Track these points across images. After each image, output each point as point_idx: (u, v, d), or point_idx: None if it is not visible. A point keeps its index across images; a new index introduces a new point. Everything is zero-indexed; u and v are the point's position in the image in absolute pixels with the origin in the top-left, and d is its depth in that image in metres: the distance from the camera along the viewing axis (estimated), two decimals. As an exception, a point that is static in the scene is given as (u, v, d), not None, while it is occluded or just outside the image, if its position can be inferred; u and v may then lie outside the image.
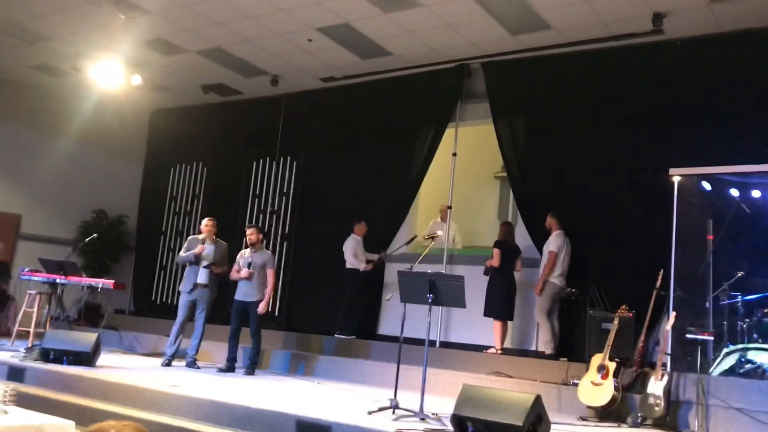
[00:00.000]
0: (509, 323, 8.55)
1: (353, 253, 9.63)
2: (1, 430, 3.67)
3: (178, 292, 8.61)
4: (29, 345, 8.03)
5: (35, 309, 8.98)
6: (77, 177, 12.61)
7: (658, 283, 6.61)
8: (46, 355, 7.13)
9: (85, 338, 7.38)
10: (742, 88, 7.58)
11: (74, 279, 8.54)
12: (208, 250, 8.29)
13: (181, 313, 8.29)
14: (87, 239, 10.21)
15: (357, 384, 7.60)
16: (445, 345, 9.02)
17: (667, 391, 5.96)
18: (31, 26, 9.76)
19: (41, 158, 12.34)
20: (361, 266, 9.61)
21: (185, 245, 8.54)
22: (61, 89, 12.18)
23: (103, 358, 7.53)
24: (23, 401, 4.49)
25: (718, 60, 7.89)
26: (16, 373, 6.72)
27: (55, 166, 12.37)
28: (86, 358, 7.13)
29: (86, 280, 8.95)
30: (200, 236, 8.44)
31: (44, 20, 9.52)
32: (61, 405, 5.76)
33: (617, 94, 8.54)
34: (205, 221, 8.58)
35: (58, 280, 8.37)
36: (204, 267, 8.24)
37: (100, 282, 8.89)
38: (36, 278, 8.68)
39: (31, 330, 8.57)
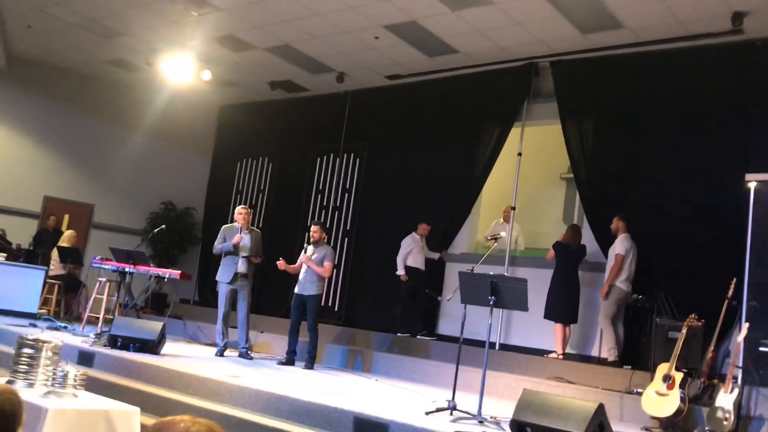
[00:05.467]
0: (571, 327, 8.38)
1: (404, 253, 9.58)
2: (71, 413, 3.79)
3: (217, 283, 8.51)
4: (98, 331, 8.27)
5: (105, 296, 9.26)
6: (148, 169, 13.01)
7: (730, 293, 6.36)
8: (114, 342, 7.33)
9: (152, 326, 7.56)
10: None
11: (142, 268, 8.76)
12: (245, 239, 8.27)
13: (222, 304, 8.27)
14: (155, 230, 10.48)
15: (414, 383, 7.57)
16: (505, 348, 8.91)
17: (738, 405, 5.73)
18: (108, 22, 10.07)
19: (114, 150, 12.78)
20: (400, 271, 9.53)
21: (220, 234, 8.44)
22: (135, 84, 12.56)
23: (168, 347, 7.70)
24: (92, 386, 4.63)
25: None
26: (86, 358, 6.93)
27: (127, 158, 12.78)
28: (152, 346, 7.30)
29: (154, 270, 9.16)
30: (235, 225, 8.40)
31: (120, 16, 9.82)
32: (127, 391, 5.91)
33: (691, 96, 8.26)
34: (239, 209, 8.46)
35: (127, 269, 8.59)
36: (243, 257, 8.23)
37: (167, 272, 9.08)
38: (106, 266, 8.94)
39: (101, 316, 8.84)
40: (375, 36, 9.33)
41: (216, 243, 8.46)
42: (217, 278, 8.46)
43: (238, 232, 8.25)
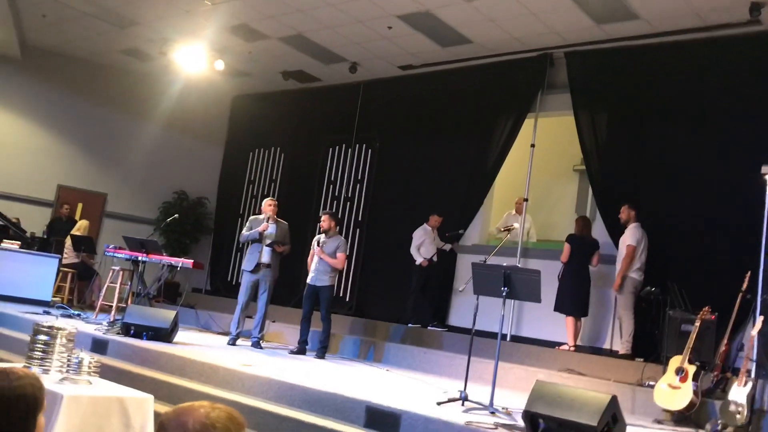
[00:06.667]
0: (582, 320, 8.36)
1: (417, 244, 9.59)
2: (85, 399, 3.82)
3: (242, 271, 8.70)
4: (111, 319, 8.34)
5: (118, 284, 9.32)
6: (161, 159, 13.05)
7: (744, 286, 6.32)
8: (127, 330, 7.38)
9: (164, 315, 7.60)
10: None
11: (155, 257, 8.79)
12: (270, 229, 8.32)
13: (243, 293, 8.36)
14: (168, 219, 10.53)
15: (426, 373, 7.58)
16: (517, 339, 8.90)
17: (751, 398, 5.69)
18: (122, 11, 10.09)
19: (127, 140, 12.83)
20: (419, 259, 9.56)
21: (247, 224, 8.59)
22: (148, 74, 12.59)
23: (180, 335, 7.75)
24: (105, 373, 4.66)
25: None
26: (99, 346, 6.98)
27: (140, 148, 12.83)
28: (165, 334, 7.34)
29: (166, 259, 9.18)
30: (261, 216, 8.49)
31: (133, 6, 9.83)
32: (140, 378, 5.95)
33: (707, 87, 8.18)
34: (267, 200, 8.60)
35: (139, 258, 8.64)
36: (267, 246, 8.31)
37: (180, 261, 9.09)
38: (119, 255, 8.99)
39: (114, 305, 8.90)
40: (388, 26, 9.30)
41: (243, 231, 8.59)
42: (242, 267, 8.58)
43: (264, 222, 8.32)
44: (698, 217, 7.89)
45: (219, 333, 9.54)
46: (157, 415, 4.04)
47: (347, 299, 10.97)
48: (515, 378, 7.03)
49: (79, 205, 12.46)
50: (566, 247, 8.31)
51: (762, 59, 7.81)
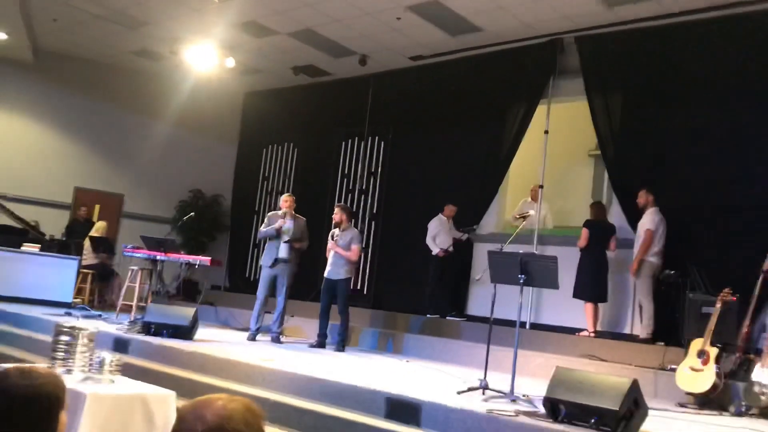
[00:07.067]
0: (601, 305, 8.32)
1: (432, 235, 9.58)
2: (108, 398, 3.85)
3: (260, 267, 8.74)
4: (132, 318, 8.40)
5: (137, 284, 9.38)
6: (175, 158, 13.12)
7: (766, 266, 6.25)
8: (147, 328, 7.42)
9: (184, 313, 7.64)
10: None
11: (173, 256, 8.84)
12: (288, 224, 8.35)
13: (262, 288, 8.41)
14: (185, 218, 10.58)
15: (445, 363, 7.58)
16: (536, 327, 8.86)
17: (774, 379, 5.65)
18: (133, 12, 10.14)
19: (142, 141, 12.90)
20: (435, 250, 9.54)
21: (266, 221, 8.63)
22: (159, 73, 12.64)
23: (200, 332, 7.79)
24: (127, 371, 4.69)
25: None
26: (121, 345, 7.04)
27: (154, 148, 12.90)
28: (185, 332, 7.39)
29: (184, 257, 9.22)
30: (279, 212, 8.52)
31: (144, 6, 9.87)
32: (162, 376, 5.99)
33: (721, 67, 8.08)
34: (284, 196, 8.65)
35: (158, 257, 8.69)
36: (284, 242, 8.31)
37: (198, 259, 9.14)
38: (138, 255, 9.05)
39: (134, 304, 8.97)
40: (397, 17, 9.26)
41: (261, 228, 8.63)
42: (260, 263, 8.63)
43: (282, 218, 8.35)
44: (716, 198, 7.81)
45: (239, 329, 9.58)
46: (178, 411, 4.06)
47: (365, 292, 10.99)
48: (535, 365, 7.01)
49: (97, 207, 12.55)
50: (584, 232, 8.26)
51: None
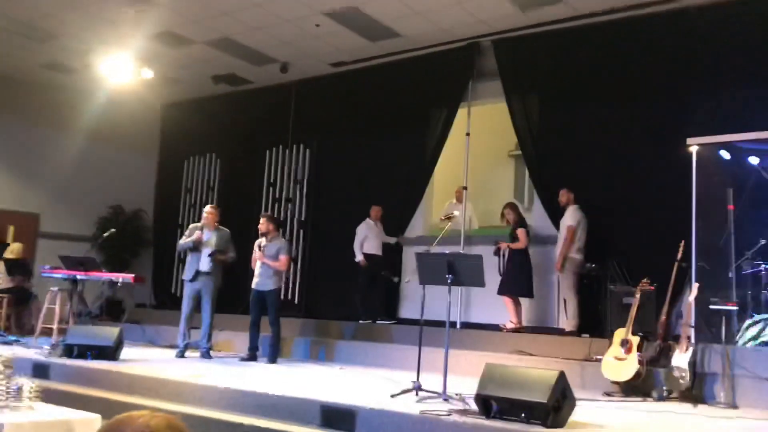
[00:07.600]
0: (524, 300, 8.53)
1: (360, 240, 9.62)
2: (28, 426, 3.69)
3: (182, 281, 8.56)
4: (54, 342, 8.08)
5: (57, 306, 9.04)
6: (93, 174, 12.66)
7: (680, 255, 6.53)
8: (70, 351, 7.16)
9: (108, 332, 7.42)
10: (759, 53, 7.44)
11: (94, 274, 8.57)
12: (207, 236, 8.20)
13: (185, 304, 8.24)
14: (105, 234, 10.26)
15: (379, 368, 7.60)
16: (466, 326, 9.00)
17: (693, 363, 5.91)
18: (41, 24, 9.76)
19: (56, 157, 12.39)
20: (358, 257, 9.58)
21: (186, 233, 8.46)
22: (73, 86, 12.20)
23: (127, 352, 7.57)
24: (50, 397, 4.51)
25: (732, 26, 7.73)
26: (41, 370, 6.76)
27: (69, 163, 12.41)
28: (110, 352, 7.16)
29: (106, 275, 8.96)
30: (199, 224, 8.37)
31: (53, 18, 9.53)
32: (87, 399, 5.78)
33: (632, 65, 8.43)
34: (207, 208, 8.48)
35: (78, 276, 8.41)
36: (208, 255, 8.16)
37: (120, 276, 8.89)
38: (56, 275, 8.73)
39: (55, 327, 8.64)
40: (316, 24, 9.25)
41: (179, 241, 8.40)
42: (182, 277, 8.41)
43: (200, 230, 8.19)
44: (631, 192, 8.12)
45: (167, 347, 9.35)
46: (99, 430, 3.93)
47: (296, 301, 10.89)
48: (467, 364, 7.07)
49: (11, 228, 11.99)
50: (523, 232, 8.46)
51: (680, 34, 8.07)
